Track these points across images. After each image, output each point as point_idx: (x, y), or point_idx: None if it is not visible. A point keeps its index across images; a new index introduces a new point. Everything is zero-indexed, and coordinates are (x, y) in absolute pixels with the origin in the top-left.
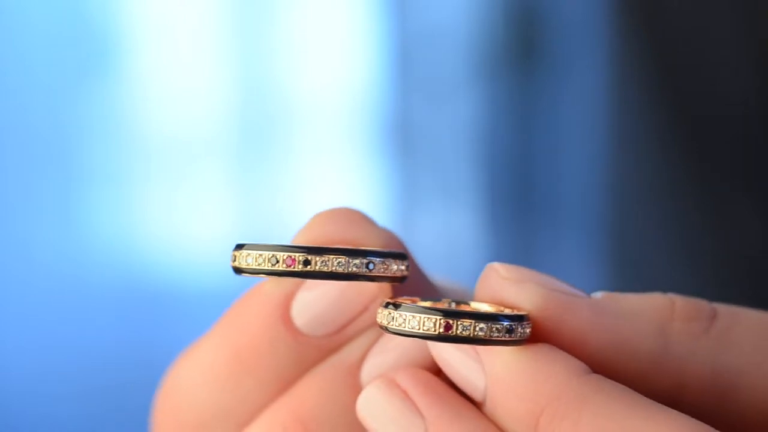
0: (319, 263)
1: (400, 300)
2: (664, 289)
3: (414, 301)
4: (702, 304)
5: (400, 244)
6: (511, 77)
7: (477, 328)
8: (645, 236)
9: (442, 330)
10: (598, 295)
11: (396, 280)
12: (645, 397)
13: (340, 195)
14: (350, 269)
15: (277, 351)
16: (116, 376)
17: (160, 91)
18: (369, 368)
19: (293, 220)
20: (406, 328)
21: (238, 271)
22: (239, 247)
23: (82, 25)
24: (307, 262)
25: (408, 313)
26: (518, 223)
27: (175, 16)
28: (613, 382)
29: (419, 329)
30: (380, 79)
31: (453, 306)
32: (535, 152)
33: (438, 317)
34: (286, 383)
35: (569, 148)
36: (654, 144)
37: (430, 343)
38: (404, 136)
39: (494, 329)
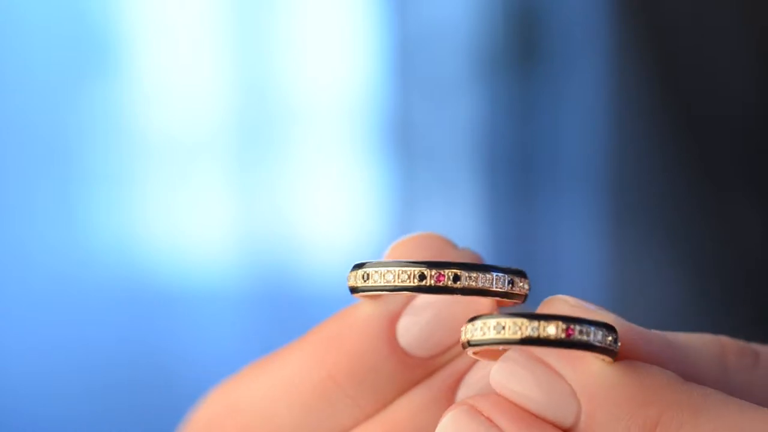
0: (468, 279)
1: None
2: (666, 289)
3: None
4: (744, 344)
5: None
6: (512, 77)
7: (579, 332)
8: (645, 236)
9: (539, 333)
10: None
11: (521, 298)
12: (751, 403)
13: (340, 195)
14: (496, 287)
15: (379, 373)
16: (116, 376)
17: (160, 91)
18: (464, 392)
19: (293, 220)
20: (489, 336)
21: (353, 290)
22: (359, 266)
23: (82, 25)
24: (456, 278)
25: (492, 320)
26: (519, 223)
27: (175, 16)
28: (712, 389)
29: (502, 335)
30: (380, 79)
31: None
32: (536, 152)
33: (525, 320)
34: (382, 404)
35: (569, 148)
36: (654, 144)
37: (500, 375)
38: (404, 136)
39: (592, 333)
